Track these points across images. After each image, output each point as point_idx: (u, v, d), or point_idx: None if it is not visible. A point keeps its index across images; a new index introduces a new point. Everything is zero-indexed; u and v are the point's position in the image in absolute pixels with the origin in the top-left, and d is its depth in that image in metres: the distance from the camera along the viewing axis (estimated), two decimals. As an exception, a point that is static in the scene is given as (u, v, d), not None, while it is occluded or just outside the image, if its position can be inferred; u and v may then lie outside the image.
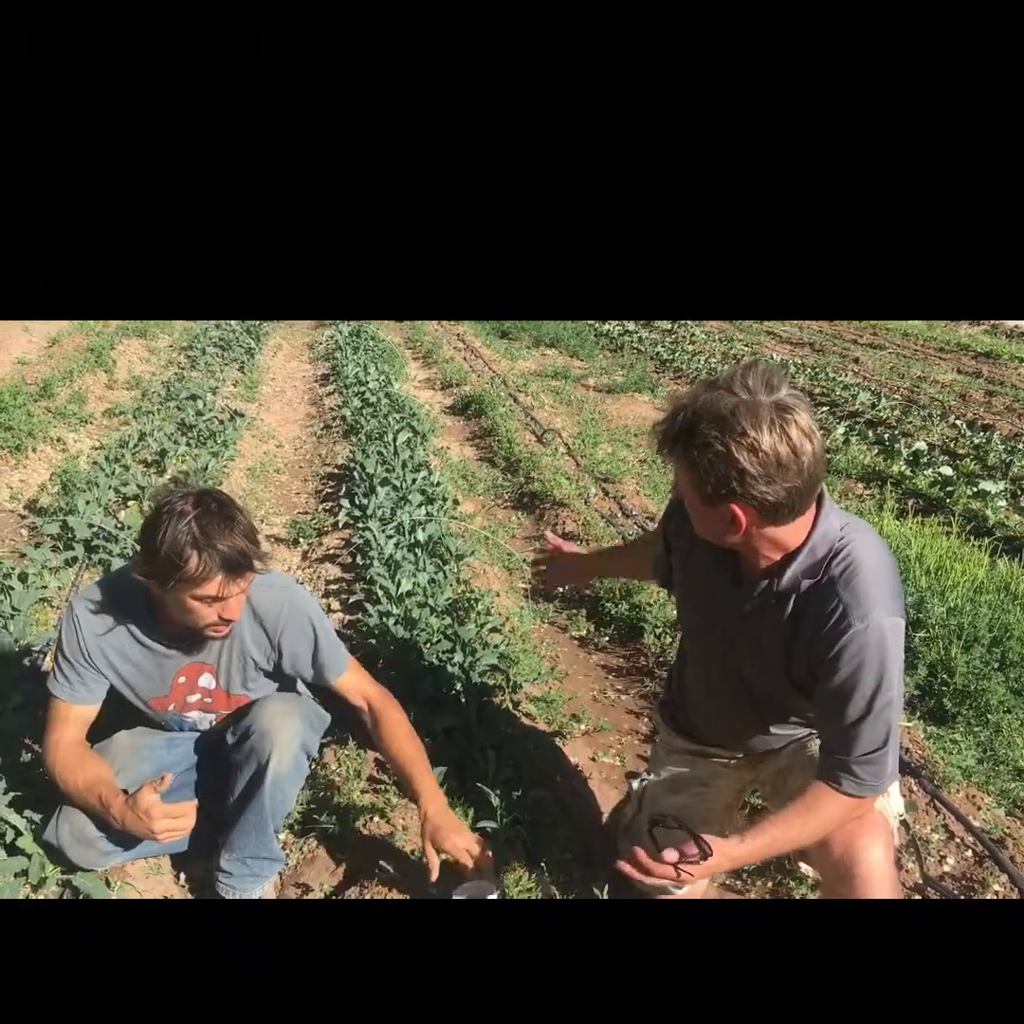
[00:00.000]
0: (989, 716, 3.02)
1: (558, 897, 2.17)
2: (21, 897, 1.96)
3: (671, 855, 1.57)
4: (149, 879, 2.20)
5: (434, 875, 1.90)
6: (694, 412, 1.51)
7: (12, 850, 2.03)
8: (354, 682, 2.12)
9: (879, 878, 1.63)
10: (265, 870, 2.11)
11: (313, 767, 2.43)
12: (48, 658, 2.90)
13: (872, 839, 1.65)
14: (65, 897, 2.02)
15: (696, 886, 2.12)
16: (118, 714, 2.13)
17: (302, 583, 3.94)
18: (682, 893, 2.06)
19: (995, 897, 2.30)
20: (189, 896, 2.19)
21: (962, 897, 2.27)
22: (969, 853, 2.46)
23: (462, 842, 1.92)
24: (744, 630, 1.77)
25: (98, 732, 2.09)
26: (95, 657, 1.97)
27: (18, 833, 2.05)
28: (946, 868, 2.42)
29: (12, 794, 2.14)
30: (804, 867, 2.04)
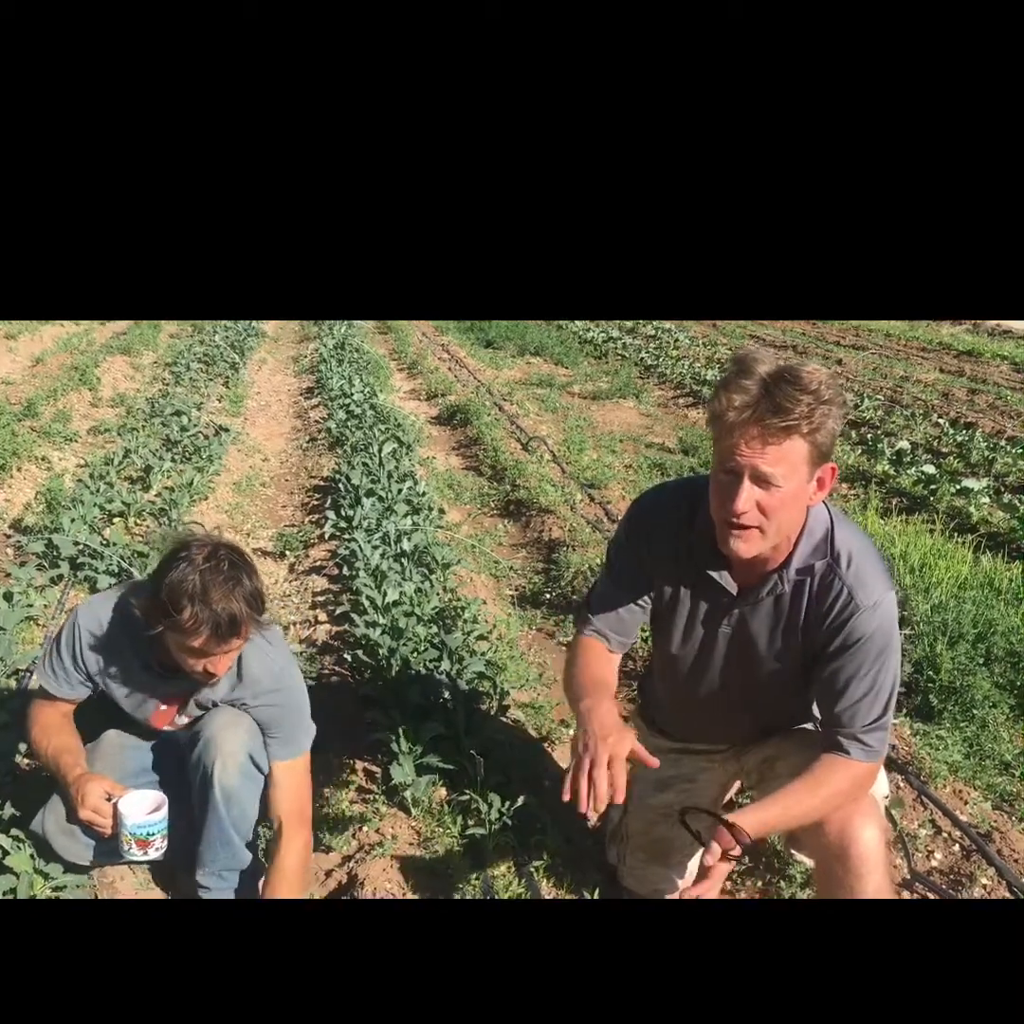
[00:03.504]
0: (975, 711, 3.03)
1: (548, 899, 2.18)
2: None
3: (710, 859, 1.60)
4: (138, 895, 2.20)
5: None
6: (792, 380, 1.51)
7: (0, 868, 2.03)
8: (287, 783, 2.03)
9: (874, 859, 1.69)
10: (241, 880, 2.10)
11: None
12: (34, 676, 2.90)
13: (866, 820, 1.70)
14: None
15: (692, 869, 2.14)
16: (110, 711, 2.14)
17: (289, 596, 3.95)
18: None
19: (983, 890, 2.32)
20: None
21: (949, 891, 2.28)
22: (956, 848, 2.47)
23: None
24: (752, 637, 1.78)
25: (89, 730, 2.12)
26: (88, 665, 2.00)
27: (5, 852, 2.04)
28: (934, 863, 2.43)
29: (-1, 813, 2.14)
30: (797, 854, 2.05)
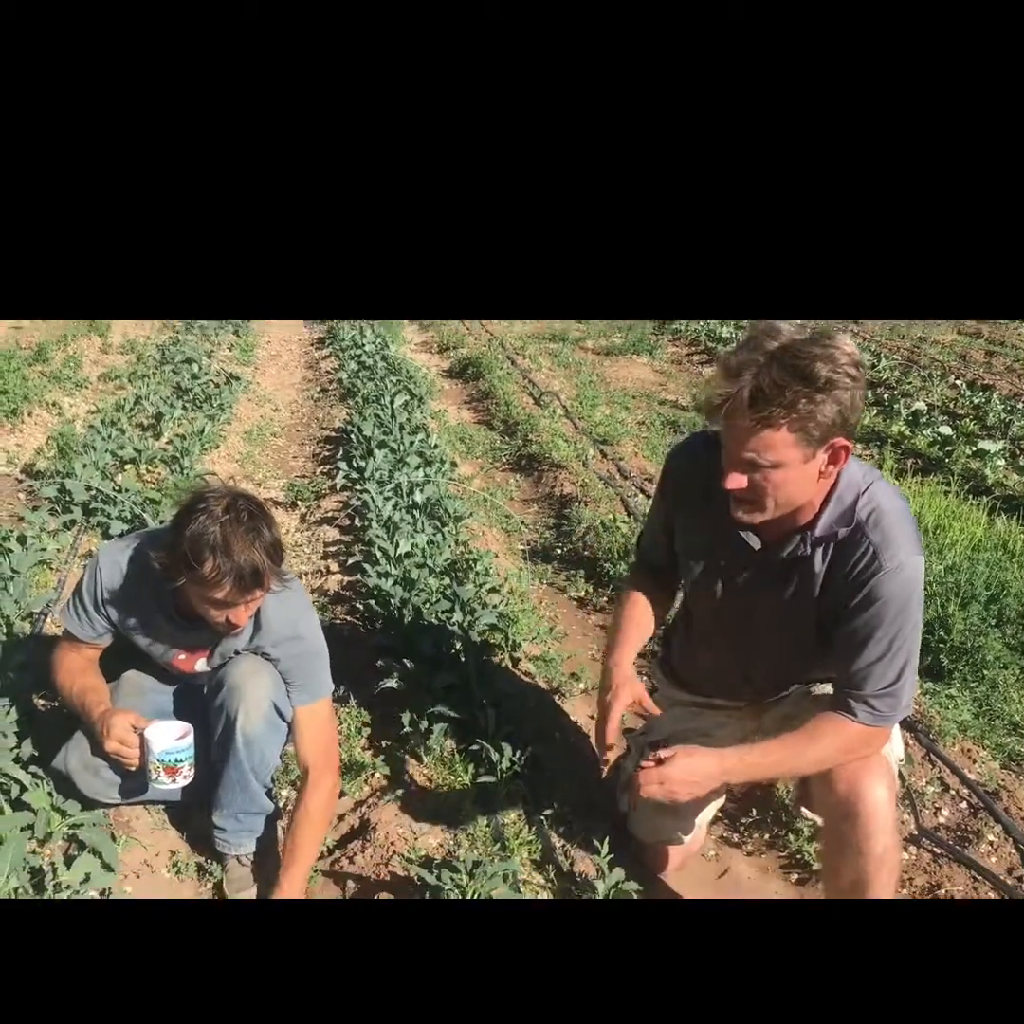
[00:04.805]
0: (985, 672, 3.04)
1: (558, 846, 2.21)
2: (28, 850, 1.99)
3: (648, 764, 1.68)
4: (154, 834, 2.23)
5: None
6: (789, 363, 1.49)
7: (18, 805, 2.06)
8: (310, 728, 2.05)
9: (882, 818, 1.68)
10: (258, 824, 2.13)
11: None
12: (49, 619, 2.92)
13: (876, 779, 1.69)
14: (71, 851, 2.05)
15: (701, 822, 2.16)
16: (129, 653, 2.15)
17: (301, 545, 3.96)
18: (687, 843, 2.11)
19: (989, 847, 2.33)
20: (192, 851, 2.21)
21: (956, 847, 2.30)
22: (964, 805, 2.49)
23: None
24: (768, 592, 1.78)
25: (109, 674, 2.13)
26: (109, 609, 2.01)
27: (23, 788, 2.07)
28: (941, 819, 2.45)
29: (17, 750, 2.16)
30: (806, 812, 2.06)
